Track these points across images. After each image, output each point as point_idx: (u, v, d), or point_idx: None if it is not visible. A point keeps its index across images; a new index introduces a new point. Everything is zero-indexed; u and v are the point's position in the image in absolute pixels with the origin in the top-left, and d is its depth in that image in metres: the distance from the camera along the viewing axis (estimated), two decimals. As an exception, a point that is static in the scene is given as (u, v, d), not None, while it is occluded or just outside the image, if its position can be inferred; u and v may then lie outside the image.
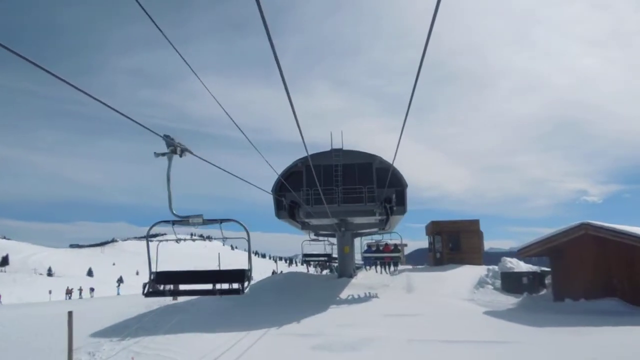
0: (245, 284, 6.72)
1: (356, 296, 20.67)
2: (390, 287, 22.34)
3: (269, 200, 23.65)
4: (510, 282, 20.19)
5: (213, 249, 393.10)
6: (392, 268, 26.16)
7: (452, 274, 23.85)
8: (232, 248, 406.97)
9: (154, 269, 6.78)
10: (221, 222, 6.01)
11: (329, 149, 23.64)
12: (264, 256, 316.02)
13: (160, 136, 4.92)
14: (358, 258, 35.55)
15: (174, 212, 6.06)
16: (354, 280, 23.83)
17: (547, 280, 20.22)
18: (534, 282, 19.73)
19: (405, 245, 46.71)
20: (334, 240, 28.62)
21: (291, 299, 21.22)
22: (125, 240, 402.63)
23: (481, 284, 21.07)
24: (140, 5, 5.04)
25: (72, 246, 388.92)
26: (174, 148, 5.04)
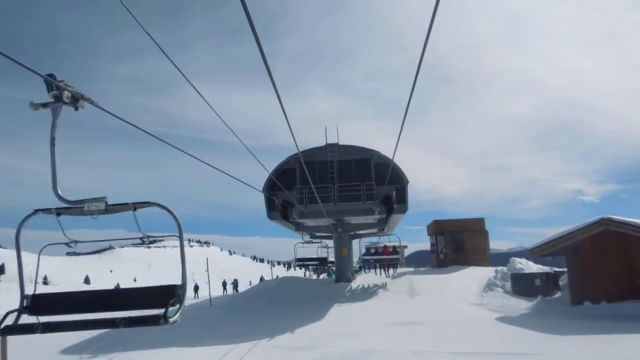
0: (173, 308, 3.30)
1: (355, 301, 19.11)
2: (392, 291, 20.77)
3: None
4: (522, 284, 18.64)
5: (211, 254, 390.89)
6: (391, 271, 25.60)
7: (457, 276, 22.28)
8: (230, 253, 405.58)
9: (28, 291, 3.48)
10: (135, 209, 3.61)
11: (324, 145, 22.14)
12: (262, 261, 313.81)
13: (42, 76, 3.15)
14: (356, 261, 34.16)
15: (61, 195, 3.62)
16: (352, 285, 22.24)
17: (562, 282, 18.68)
18: (548, 283, 18.19)
19: (405, 246, 45.32)
20: (329, 242, 27.06)
21: (285, 306, 19.65)
22: (122, 247, 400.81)
23: (490, 286, 19.51)
24: (132, 15, 5.27)
25: (69, 254, 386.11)
26: (59, 94, 3.22)
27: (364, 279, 24.26)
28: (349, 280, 23.21)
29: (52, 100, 3.21)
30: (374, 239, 30.20)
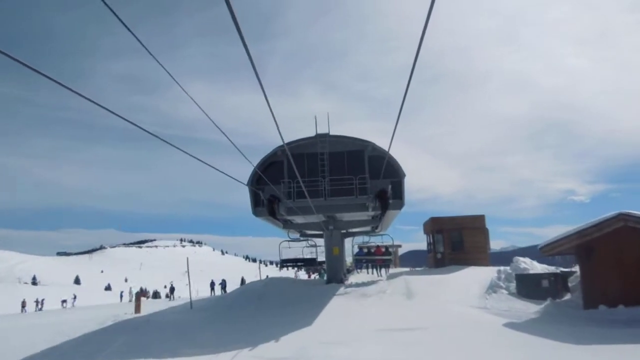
0: None
1: (348, 304, 17.57)
2: (387, 293, 19.23)
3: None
4: (528, 286, 17.18)
5: (203, 254, 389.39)
6: (383, 271, 25.02)
7: (457, 277, 20.79)
8: (223, 253, 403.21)
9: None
10: None
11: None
12: (254, 260, 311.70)
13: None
14: (349, 261, 32.62)
15: None
16: (344, 286, 20.69)
17: (572, 283, 17.25)
18: (556, 285, 16.73)
19: (400, 246, 43.89)
20: (320, 241, 25.49)
21: (272, 309, 18.10)
22: (113, 247, 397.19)
23: (493, 288, 18.03)
24: (116, 15, 5.47)
25: (59, 254, 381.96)
26: None
27: (357, 280, 22.76)
28: (341, 281, 21.68)
29: None
30: (367, 239, 29.09)
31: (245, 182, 17.05)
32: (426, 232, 27.55)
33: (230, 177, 13.61)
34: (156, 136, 7.28)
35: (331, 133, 20.21)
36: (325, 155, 19.89)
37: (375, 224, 23.23)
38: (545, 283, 16.80)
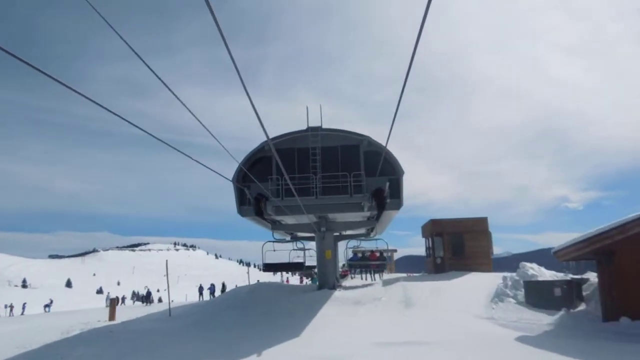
0: None
1: (340, 314, 15.97)
2: (384, 301, 17.64)
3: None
4: (538, 294, 15.61)
5: (197, 258, 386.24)
6: (377, 276, 24.23)
7: (459, 284, 19.20)
8: (217, 257, 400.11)
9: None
10: None
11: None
12: (248, 264, 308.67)
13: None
14: (342, 265, 31.02)
15: None
16: (337, 293, 19.06)
17: (586, 292, 15.70)
18: (570, 294, 15.15)
19: (395, 250, 42.35)
20: (310, 244, 23.85)
21: (256, 318, 16.47)
22: (106, 250, 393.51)
23: (499, 296, 16.45)
24: (104, 18, 5.74)
25: (51, 257, 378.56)
26: None
27: (350, 286, 21.15)
28: (334, 287, 20.04)
29: None
30: (361, 243, 27.89)
31: (224, 175, 15.35)
32: (425, 235, 25.97)
33: (214, 171, 12.10)
34: (153, 136, 7.37)
35: (322, 121, 18.68)
36: (317, 150, 18.33)
37: (370, 226, 21.65)
38: (557, 291, 15.23)
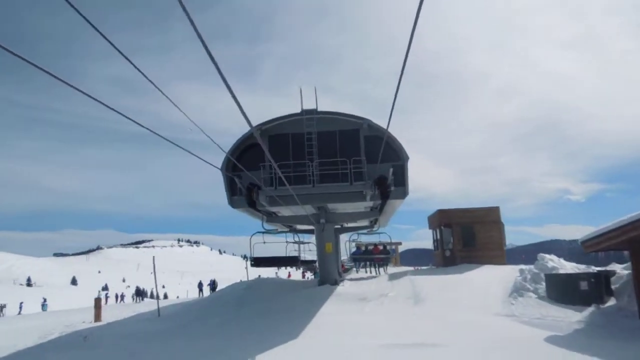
0: None
1: (343, 312, 14.49)
2: (390, 297, 16.15)
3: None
4: (561, 288, 14.10)
5: (201, 254, 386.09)
6: (381, 270, 23.38)
7: (472, 277, 17.69)
8: (220, 252, 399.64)
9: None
10: None
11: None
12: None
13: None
14: (345, 260, 29.58)
15: None
16: (339, 289, 17.59)
17: (615, 285, 14.13)
18: (598, 288, 13.60)
19: (400, 243, 40.87)
20: (305, 237, 22.31)
21: (250, 319, 14.99)
22: (110, 247, 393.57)
23: (519, 290, 14.93)
24: (85, 18, 5.39)
25: (56, 255, 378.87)
26: None
27: (354, 282, 19.65)
28: (336, 283, 18.55)
29: None
30: (363, 237, 26.82)
31: (213, 164, 13.69)
32: (432, 226, 24.44)
33: (202, 159, 10.65)
34: (152, 131, 7.47)
35: (317, 104, 17.09)
36: (313, 135, 16.79)
37: (373, 217, 20.10)
38: (584, 285, 13.69)
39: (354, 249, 28.85)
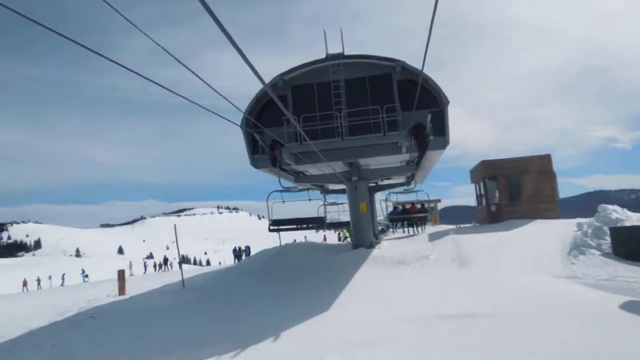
0: None
1: (380, 278, 13.13)
2: (431, 259, 14.67)
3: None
4: (632, 244, 12.23)
5: (240, 220, 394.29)
6: (420, 229, 22.85)
7: (522, 235, 15.93)
8: (259, 218, 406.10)
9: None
10: None
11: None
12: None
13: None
14: (381, 220, 28.19)
15: None
16: (375, 252, 16.20)
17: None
18: (675, 241, 11.69)
19: (439, 200, 39.03)
20: (338, 198, 20.80)
21: (278, 288, 13.88)
22: (153, 217, 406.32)
23: (579, 248, 13.13)
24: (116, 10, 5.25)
25: (102, 226, 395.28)
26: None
27: (391, 244, 18.21)
28: (372, 246, 17.16)
29: None
30: (400, 196, 25.43)
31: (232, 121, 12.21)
32: (475, 180, 22.52)
33: (220, 116, 9.21)
34: (191, 101, 7.17)
35: (343, 48, 15.27)
36: (340, 84, 15.06)
37: (410, 172, 18.36)
38: (658, 238, 11.80)
39: (390, 209, 27.44)
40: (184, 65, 7.63)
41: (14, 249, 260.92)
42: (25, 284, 45.31)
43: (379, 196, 25.85)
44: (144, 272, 49.42)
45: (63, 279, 46.70)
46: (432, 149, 14.77)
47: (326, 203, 19.92)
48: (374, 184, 22.71)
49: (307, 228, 16.32)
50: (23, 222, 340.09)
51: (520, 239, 15.13)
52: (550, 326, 7.52)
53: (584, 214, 17.79)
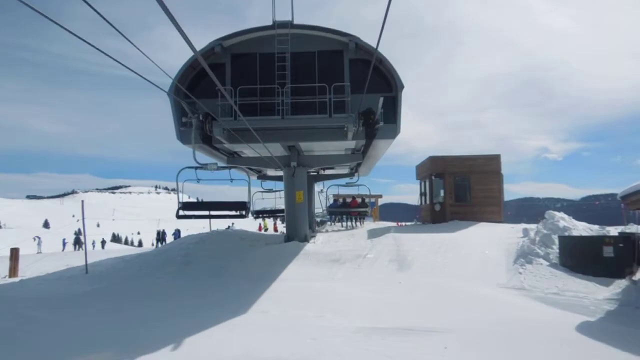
0: None
1: (311, 279, 11.66)
2: (369, 259, 13.35)
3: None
4: (580, 255, 11.43)
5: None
6: (358, 224, 22.28)
7: (466, 238, 14.95)
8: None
9: None
10: None
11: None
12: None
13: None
14: (320, 212, 26.92)
15: None
16: (309, 247, 14.71)
17: (647, 253, 11.50)
18: (626, 254, 10.95)
19: (380, 196, 38.21)
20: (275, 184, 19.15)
21: (197, 280, 12.10)
22: (86, 192, 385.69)
23: (526, 256, 12.21)
24: None
25: (29, 197, 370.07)
26: None
27: (327, 238, 16.80)
28: (306, 240, 15.65)
29: None
30: (341, 189, 24.44)
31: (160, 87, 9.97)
32: (420, 176, 21.52)
33: (148, 80, 7.31)
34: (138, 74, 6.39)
35: (292, 16, 13.57)
36: (286, 55, 13.36)
37: (356, 162, 16.99)
38: (608, 251, 11.03)
39: (330, 201, 26.22)
40: (123, 35, 5.85)
41: None
42: None
43: (319, 187, 24.55)
44: (62, 250, 45.52)
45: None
46: (381, 138, 13.44)
47: (262, 190, 18.10)
48: (314, 173, 21.24)
49: (228, 216, 14.33)
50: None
51: (464, 243, 14.11)
52: (498, 349, 6.30)
53: (516, 220, 17.50)
